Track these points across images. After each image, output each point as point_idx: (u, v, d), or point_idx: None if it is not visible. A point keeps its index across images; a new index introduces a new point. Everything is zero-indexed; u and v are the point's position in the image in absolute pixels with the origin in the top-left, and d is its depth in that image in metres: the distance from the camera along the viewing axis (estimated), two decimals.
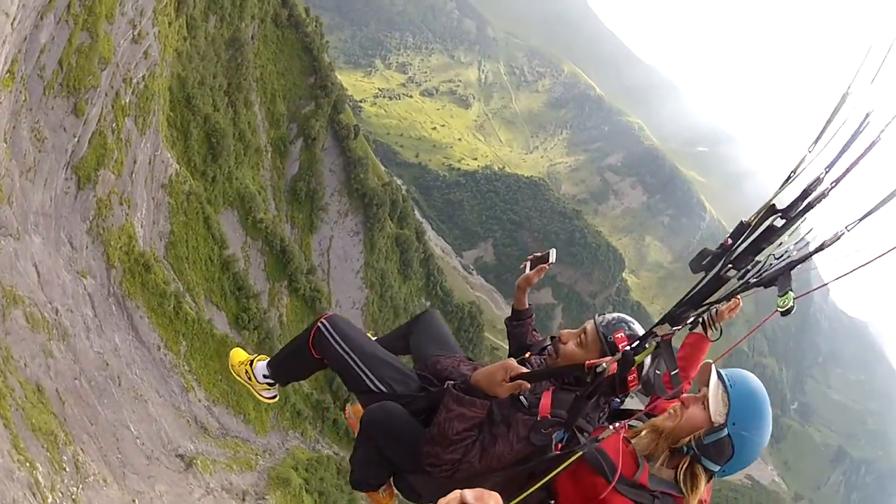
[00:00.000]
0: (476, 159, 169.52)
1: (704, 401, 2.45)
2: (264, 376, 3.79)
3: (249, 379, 3.82)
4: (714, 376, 2.48)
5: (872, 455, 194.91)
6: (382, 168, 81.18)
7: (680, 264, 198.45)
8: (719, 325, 3.52)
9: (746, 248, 2.21)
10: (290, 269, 53.25)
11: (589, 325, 3.00)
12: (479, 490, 1.56)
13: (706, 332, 3.49)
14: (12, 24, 13.64)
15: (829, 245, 2.00)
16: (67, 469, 13.13)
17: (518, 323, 3.78)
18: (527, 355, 3.34)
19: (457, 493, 1.53)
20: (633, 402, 3.17)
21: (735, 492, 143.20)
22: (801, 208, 2.10)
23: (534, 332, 3.81)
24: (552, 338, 3.23)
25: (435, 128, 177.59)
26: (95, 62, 20.01)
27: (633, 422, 2.77)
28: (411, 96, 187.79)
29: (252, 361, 3.87)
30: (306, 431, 49.61)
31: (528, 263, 3.70)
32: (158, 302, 30.15)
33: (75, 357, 18.80)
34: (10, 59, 14.84)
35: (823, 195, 2.05)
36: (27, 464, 10.94)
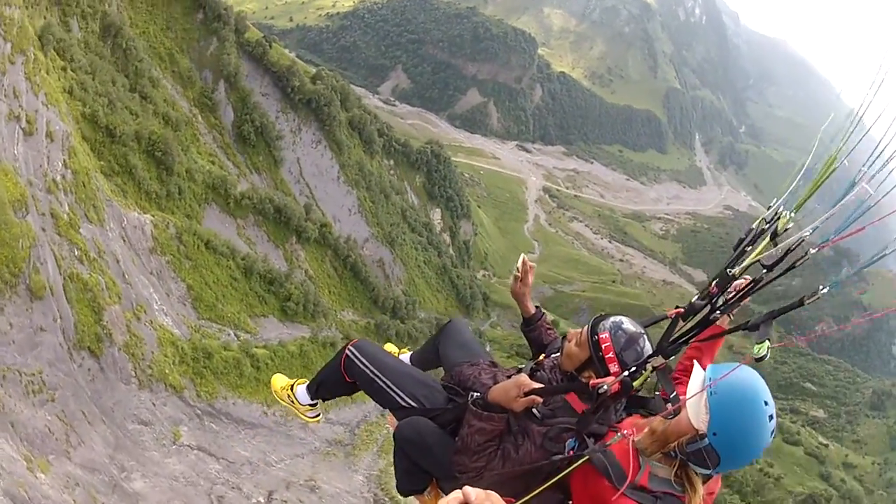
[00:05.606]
0: None
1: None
2: (306, 397, 3.73)
3: (292, 402, 3.76)
4: (696, 381, 2.22)
5: None
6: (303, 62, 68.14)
7: (586, 24, 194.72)
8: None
9: (733, 301, 2.42)
10: (293, 224, 45.59)
11: (587, 325, 2.92)
12: (478, 490, 1.52)
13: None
14: None
15: (809, 301, 1.99)
16: None
17: (531, 328, 3.64)
18: (540, 358, 3.25)
19: (458, 492, 1.47)
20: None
21: (721, 225, 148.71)
22: (784, 269, 2.20)
23: (548, 332, 3.64)
24: (563, 336, 3.15)
25: None
26: (11, 213, 11.40)
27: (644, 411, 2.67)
28: None
29: (293, 386, 3.77)
30: None
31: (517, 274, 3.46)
32: (237, 376, 23.80)
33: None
34: None
35: (805, 257, 2.11)
36: None
